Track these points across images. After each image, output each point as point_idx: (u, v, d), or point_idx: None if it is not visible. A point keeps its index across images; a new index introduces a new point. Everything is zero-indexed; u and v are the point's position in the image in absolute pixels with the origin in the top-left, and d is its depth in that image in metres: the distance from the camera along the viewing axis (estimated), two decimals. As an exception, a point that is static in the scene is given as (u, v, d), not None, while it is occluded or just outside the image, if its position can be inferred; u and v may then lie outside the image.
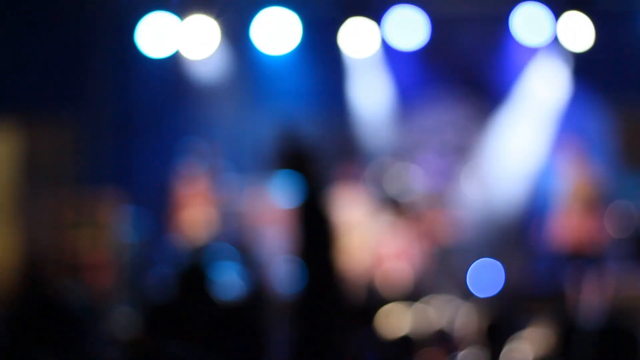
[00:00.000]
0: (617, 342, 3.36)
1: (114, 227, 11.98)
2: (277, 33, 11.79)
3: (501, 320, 5.75)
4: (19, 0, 13.12)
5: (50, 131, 13.50)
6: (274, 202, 12.21)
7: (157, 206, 12.37)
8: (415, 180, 12.73)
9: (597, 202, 11.57)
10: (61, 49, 13.21)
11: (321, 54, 13.20)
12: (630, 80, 13.07)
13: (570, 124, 13.11)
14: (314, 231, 4.34)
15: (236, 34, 12.90)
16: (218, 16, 11.75)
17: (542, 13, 11.85)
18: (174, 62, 12.82)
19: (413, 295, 11.15)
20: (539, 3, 12.01)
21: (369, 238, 12.05)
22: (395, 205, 12.23)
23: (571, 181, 11.72)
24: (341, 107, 13.63)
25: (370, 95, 13.55)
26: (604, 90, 13.04)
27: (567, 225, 11.57)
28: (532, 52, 12.78)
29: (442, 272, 12.20)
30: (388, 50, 12.98)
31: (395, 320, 6.31)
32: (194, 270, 5.86)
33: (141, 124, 13.47)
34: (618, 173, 12.64)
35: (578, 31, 11.68)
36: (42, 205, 13.03)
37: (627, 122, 13.24)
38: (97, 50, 13.37)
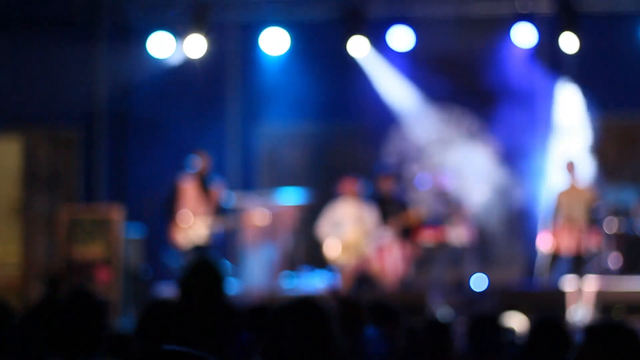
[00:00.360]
0: (611, 336, 3.36)
1: (116, 228, 12.14)
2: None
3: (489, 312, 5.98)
4: (22, 13, 13.30)
5: (51, 142, 13.64)
6: (263, 211, 12.37)
7: (157, 210, 12.48)
8: (418, 189, 12.87)
9: (589, 206, 11.78)
10: (63, 62, 13.36)
11: (323, 66, 13.38)
12: (613, 94, 13.27)
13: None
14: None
15: (237, 47, 13.22)
16: (207, 34, 12.31)
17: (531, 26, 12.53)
18: (172, 73, 13.08)
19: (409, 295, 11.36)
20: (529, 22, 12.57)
21: (368, 249, 12.19)
22: (396, 215, 12.33)
23: (564, 186, 11.94)
24: (344, 121, 13.73)
25: (383, 99, 13.68)
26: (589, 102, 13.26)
27: (560, 228, 11.79)
28: (525, 53, 13.07)
29: (438, 272, 12.38)
30: (392, 61, 13.29)
31: None
32: (203, 265, 5.75)
33: (139, 136, 13.62)
34: (605, 185, 12.85)
35: (566, 44, 12.20)
36: (46, 210, 13.20)
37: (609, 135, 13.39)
38: (98, 60, 13.55)
